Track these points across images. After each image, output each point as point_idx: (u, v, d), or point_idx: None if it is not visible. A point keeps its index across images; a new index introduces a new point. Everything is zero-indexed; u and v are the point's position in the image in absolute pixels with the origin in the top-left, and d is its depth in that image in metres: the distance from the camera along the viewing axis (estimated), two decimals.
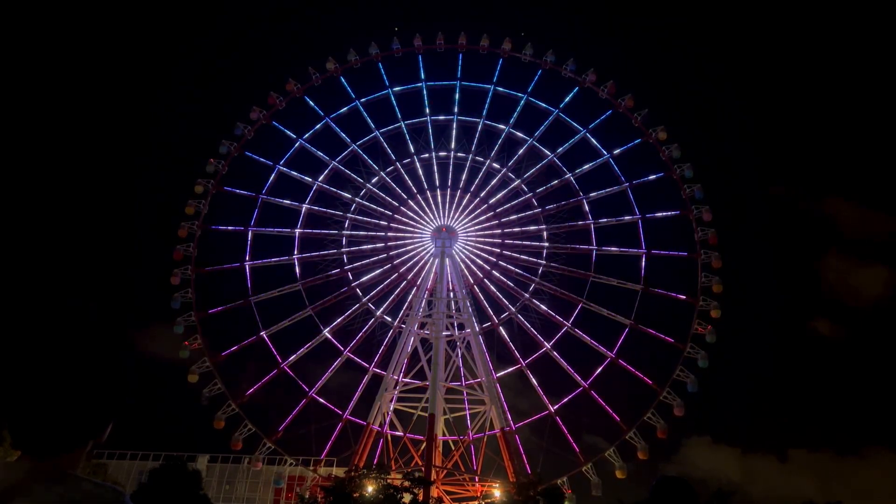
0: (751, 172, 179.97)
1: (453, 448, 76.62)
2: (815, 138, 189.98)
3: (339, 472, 73.05)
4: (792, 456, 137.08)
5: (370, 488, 58.30)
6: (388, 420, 77.35)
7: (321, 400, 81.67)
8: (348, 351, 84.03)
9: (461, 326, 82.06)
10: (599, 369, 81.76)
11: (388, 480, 58.21)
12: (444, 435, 78.32)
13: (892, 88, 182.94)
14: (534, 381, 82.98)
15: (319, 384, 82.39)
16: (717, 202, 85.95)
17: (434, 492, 68.79)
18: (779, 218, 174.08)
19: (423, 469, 67.01)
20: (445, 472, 73.78)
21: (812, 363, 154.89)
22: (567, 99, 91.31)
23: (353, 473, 61.14)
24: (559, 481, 75.51)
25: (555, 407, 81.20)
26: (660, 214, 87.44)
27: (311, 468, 78.79)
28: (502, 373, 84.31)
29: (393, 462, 70.60)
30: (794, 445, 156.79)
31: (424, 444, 71.20)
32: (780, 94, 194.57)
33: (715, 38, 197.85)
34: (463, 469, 74.34)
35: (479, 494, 72.78)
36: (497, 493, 70.47)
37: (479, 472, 74.81)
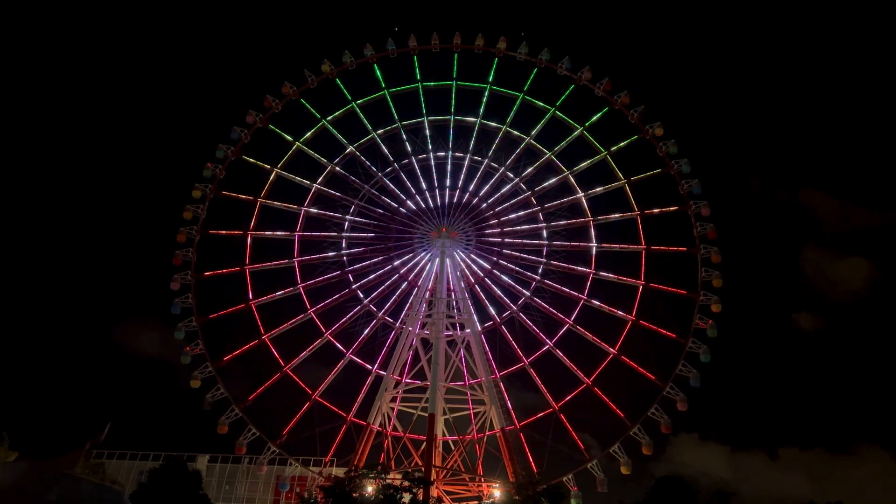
0: (728, 165, 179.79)
1: (453, 448, 76.66)
2: (791, 130, 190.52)
3: (338, 472, 73.01)
4: (783, 454, 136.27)
5: (370, 488, 58.33)
6: (389, 421, 77.46)
7: (325, 402, 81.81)
8: (351, 353, 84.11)
9: (462, 326, 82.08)
10: (602, 366, 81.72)
11: (388, 480, 58.22)
12: (444, 435, 78.38)
13: (867, 80, 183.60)
14: (537, 379, 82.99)
15: (323, 387, 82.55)
16: (712, 197, 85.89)
17: (434, 492, 68.77)
18: (756, 210, 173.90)
19: (422, 469, 67.00)
20: (445, 472, 73.86)
21: (798, 358, 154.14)
22: (563, 97, 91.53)
23: (352, 473, 61.18)
24: (565, 479, 75.58)
25: (558, 404, 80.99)
26: (658, 210, 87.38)
27: (319, 471, 78.76)
28: (505, 371, 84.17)
29: (392, 462, 70.64)
30: (785, 443, 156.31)
31: (424, 444, 71.31)
32: (758, 86, 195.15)
33: (703, 33, 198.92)
34: (463, 469, 74.36)
35: (483, 494, 72.73)
36: (497, 492, 70.50)
37: (479, 473, 74.78)
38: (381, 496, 56.28)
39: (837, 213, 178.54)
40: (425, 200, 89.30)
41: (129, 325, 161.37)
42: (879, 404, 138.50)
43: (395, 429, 77.86)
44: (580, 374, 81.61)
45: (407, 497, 57.98)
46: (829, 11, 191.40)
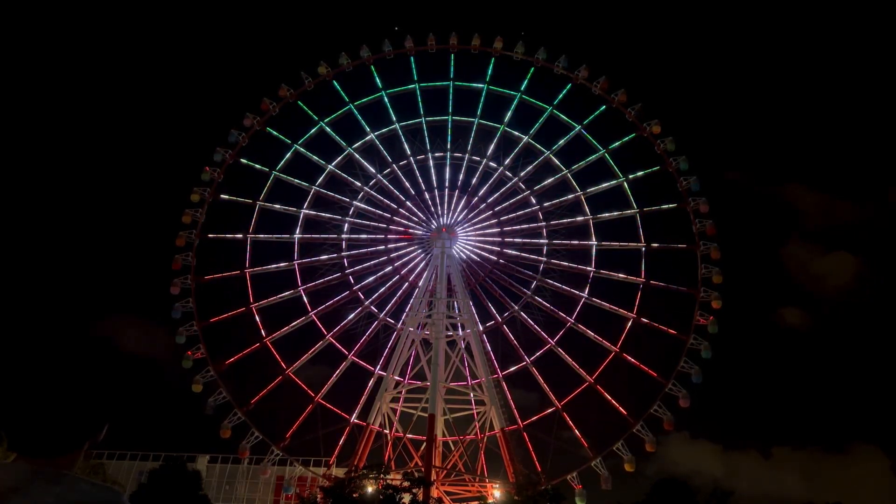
0: (710, 160, 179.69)
1: (453, 448, 76.59)
2: (772, 125, 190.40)
3: (339, 472, 73.00)
4: (776, 453, 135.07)
5: (370, 489, 58.26)
6: (388, 421, 77.38)
7: (327, 405, 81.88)
8: (353, 355, 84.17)
9: (462, 326, 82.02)
10: (604, 364, 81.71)
11: (388, 481, 58.14)
12: (444, 435, 78.31)
13: (850, 75, 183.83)
14: (539, 377, 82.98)
15: (325, 389, 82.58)
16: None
17: (434, 492, 68.67)
18: (738, 205, 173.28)
19: (422, 469, 66.91)
20: (445, 472, 73.75)
21: (787, 354, 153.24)
22: (560, 96, 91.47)
23: (352, 474, 61.10)
24: (569, 477, 75.57)
25: (561, 403, 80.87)
26: (657, 207, 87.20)
27: (323, 472, 78.74)
28: (507, 371, 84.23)
29: (393, 462, 70.56)
30: (779, 442, 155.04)
31: (424, 445, 71.36)
32: (738, 82, 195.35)
33: (691, 31, 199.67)
34: (463, 470, 74.27)
35: (487, 494, 72.64)
36: (497, 493, 70.46)
37: (479, 473, 74.73)
38: (381, 496, 56.21)
39: (820, 208, 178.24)
40: (424, 201, 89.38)
41: (128, 325, 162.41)
42: (874, 402, 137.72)
43: (395, 429, 77.71)
44: (582, 373, 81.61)
45: (407, 497, 57.95)
46: (809, 9, 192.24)
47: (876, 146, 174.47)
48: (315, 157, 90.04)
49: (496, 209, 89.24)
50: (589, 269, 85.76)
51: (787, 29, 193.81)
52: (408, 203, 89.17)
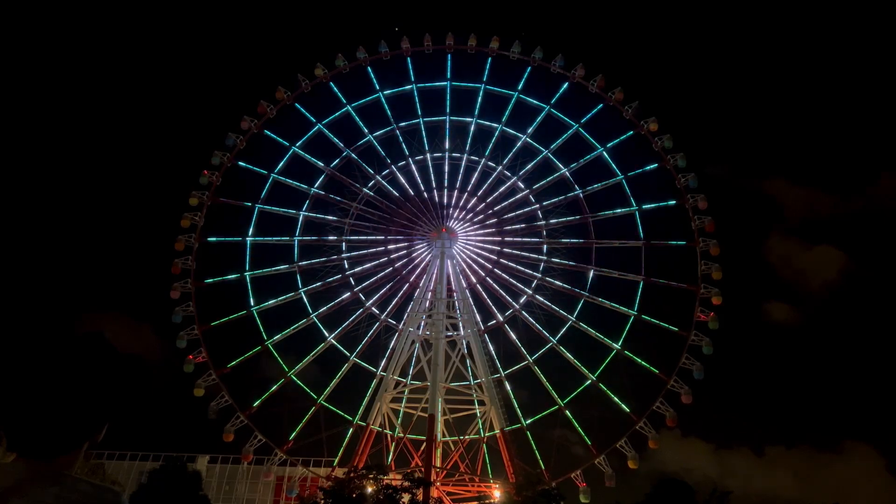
0: (693, 153, 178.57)
1: (453, 448, 76.57)
2: (753, 118, 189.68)
3: (338, 472, 73.00)
4: (769, 452, 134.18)
5: (369, 489, 58.26)
6: (387, 421, 77.41)
7: (330, 406, 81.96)
8: (355, 356, 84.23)
9: (462, 326, 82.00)
10: (606, 361, 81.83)
11: (388, 481, 58.14)
12: (444, 436, 78.28)
13: (832, 67, 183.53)
14: (541, 376, 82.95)
15: (327, 391, 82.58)
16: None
17: (434, 492, 68.66)
18: (720, 199, 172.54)
19: (422, 469, 66.89)
20: (445, 472, 73.73)
21: (775, 351, 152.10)
22: (558, 95, 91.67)
23: (352, 474, 61.10)
24: (573, 475, 75.59)
25: (564, 401, 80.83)
26: (656, 205, 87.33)
27: (328, 473, 78.67)
28: (509, 370, 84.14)
29: (393, 463, 70.62)
30: (771, 441, 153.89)
31: (424, 445, 71.34)
32: (721, 75, 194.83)
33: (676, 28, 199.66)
34: (464, 470, 74.27)
35: (488, 494, 72.62)
36: (497, 493, 70.46)
37: (479, 473, 74.73)
38: (381, 497, 56.22)
39: (803, 202, 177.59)
40: (423, 202, 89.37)
41: (128, 327, 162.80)
42: (867, 400, 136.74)
43: (394, 429, 77.70)
44: (584, 371, 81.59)
45: (406, 498, 57.93)
46: (794, 5, 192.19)
47: (859, 140, 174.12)
48: (313, 159, 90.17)
49: (495, 208, 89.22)
50: (589, 267, 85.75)
51: (775, 25, 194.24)
52: (407, 204, 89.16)
